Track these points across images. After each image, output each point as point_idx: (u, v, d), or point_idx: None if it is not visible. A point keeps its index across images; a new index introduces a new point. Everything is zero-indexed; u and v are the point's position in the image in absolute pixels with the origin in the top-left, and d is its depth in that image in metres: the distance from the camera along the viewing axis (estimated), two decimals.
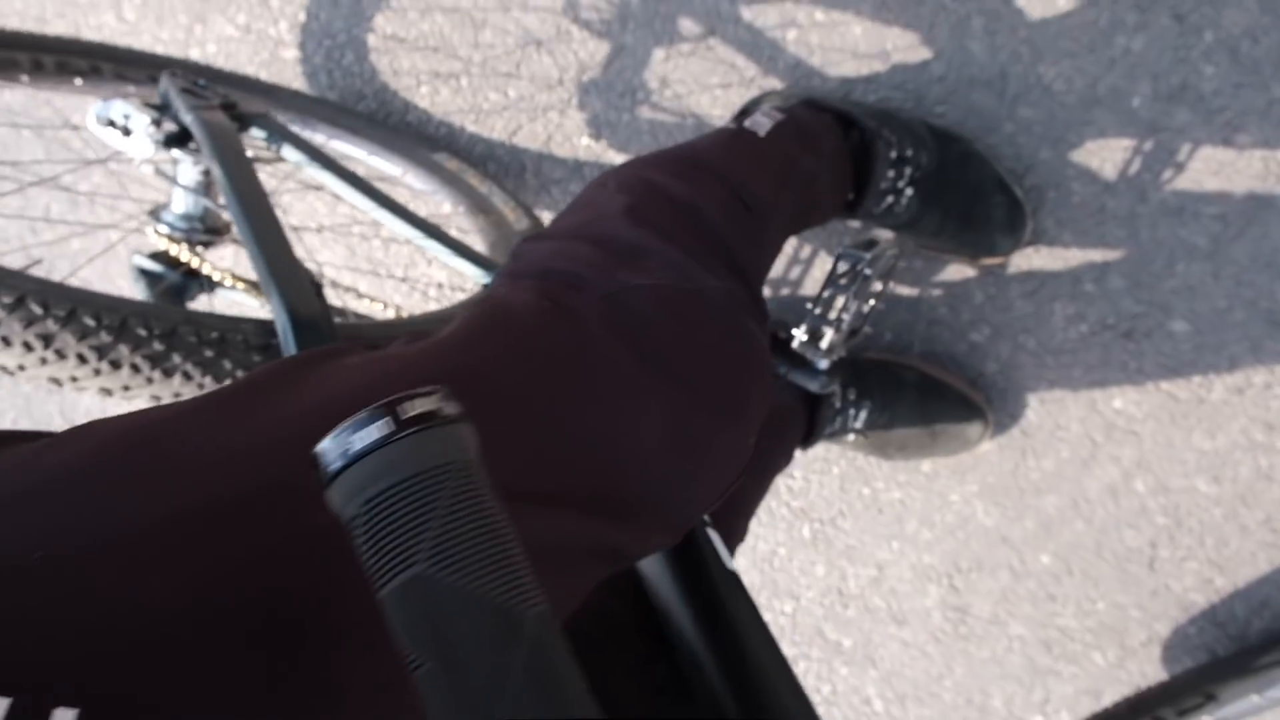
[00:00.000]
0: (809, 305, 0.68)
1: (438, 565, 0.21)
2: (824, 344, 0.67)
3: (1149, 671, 1.05)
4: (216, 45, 1.19)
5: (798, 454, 1.13)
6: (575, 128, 1.09)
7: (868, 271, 0.68)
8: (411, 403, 0.22)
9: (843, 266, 0.69)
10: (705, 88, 1.03)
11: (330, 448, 0.22)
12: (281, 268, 0.55)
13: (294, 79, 1.18)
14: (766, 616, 1.21)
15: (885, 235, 0.72)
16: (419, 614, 0.21)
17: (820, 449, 1.11)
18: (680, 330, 0.48)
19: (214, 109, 0.74)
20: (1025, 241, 0.96)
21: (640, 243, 0.52)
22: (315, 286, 0.57)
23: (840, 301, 0.68)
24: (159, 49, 1.22)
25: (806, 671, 1.20)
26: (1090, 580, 1.05)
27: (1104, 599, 1.05)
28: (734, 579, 0.51)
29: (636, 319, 0.47)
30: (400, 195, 1.15)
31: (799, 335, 0.67)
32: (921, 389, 1.00)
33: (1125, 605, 1.05)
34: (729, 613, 0.49)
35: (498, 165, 1.12)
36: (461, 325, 0.43)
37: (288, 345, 0.52)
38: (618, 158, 1.08)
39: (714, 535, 0.52)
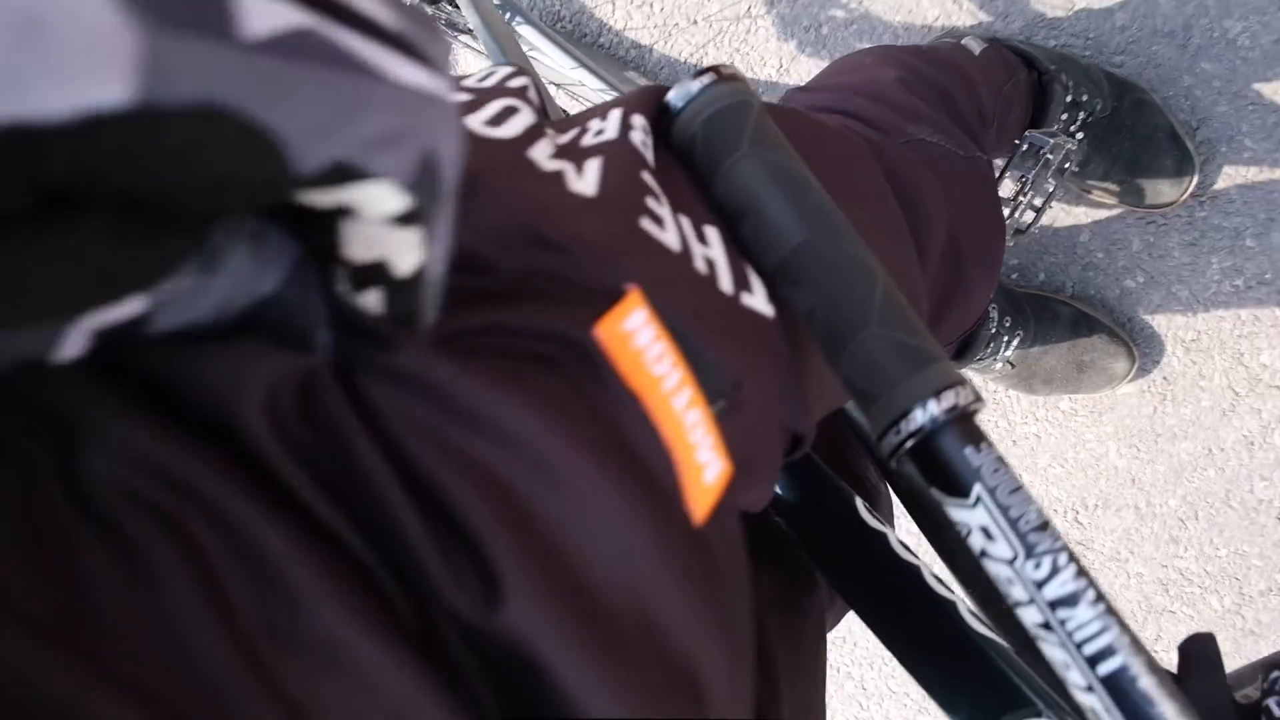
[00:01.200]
0: None
1: (756, 148, 0.32)
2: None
3: (1265, 620, 1.09)
4: None
5: None
6: (759, 57, 1.16)
7: (1050, 156, 0.73)
8: (723, 69, 0.34)
9: (1026, 145, 0.74)
10: (888, 25, 1.09)
11: (675, 95, 0.34)
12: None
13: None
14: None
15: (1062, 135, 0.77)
16: (740, 184, 0.32)
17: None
18: (961, 188, 0.55)
19: None
20: (1190, 193, 1.00)
21: (915, 108, 0.58)
22: None
23: (1021, 180, 0.73)
24: None
25: None
26: (1216, 527, 1.09)
27: (1227, 546, 1.09)
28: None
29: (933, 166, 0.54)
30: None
31: None
32: (1075, 322, 1.05)
33: (1248, 554, 1.09)
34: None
35: None
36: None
37: None
38: None
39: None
